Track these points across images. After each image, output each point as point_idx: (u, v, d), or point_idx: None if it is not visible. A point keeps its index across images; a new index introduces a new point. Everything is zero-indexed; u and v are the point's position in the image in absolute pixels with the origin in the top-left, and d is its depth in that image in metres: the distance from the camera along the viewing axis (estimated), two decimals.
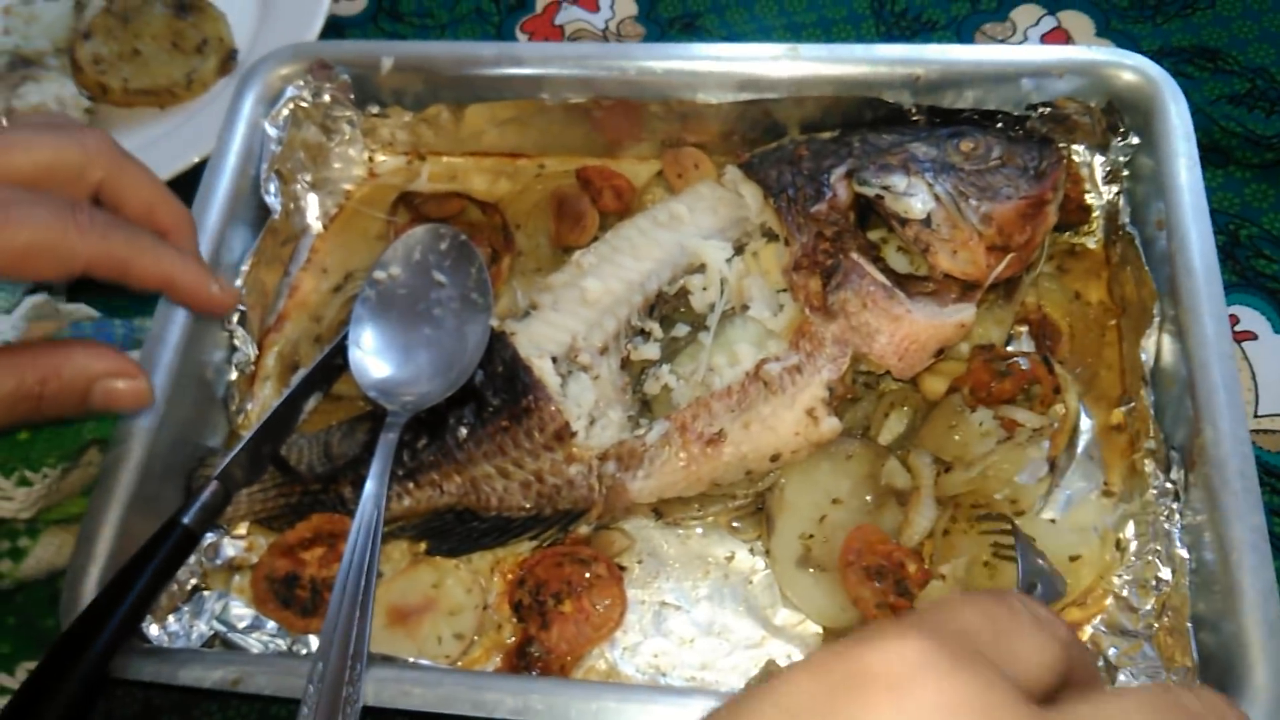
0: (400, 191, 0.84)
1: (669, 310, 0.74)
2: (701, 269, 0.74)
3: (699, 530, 0.69)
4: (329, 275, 0.82)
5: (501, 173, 0.85)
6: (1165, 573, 0.63)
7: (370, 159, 0.86)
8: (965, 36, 0.90)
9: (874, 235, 0.71)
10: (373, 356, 0.72)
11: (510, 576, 0.69)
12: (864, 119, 0.78)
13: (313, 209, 0.83)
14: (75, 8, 0.94)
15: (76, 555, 0.63)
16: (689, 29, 0.93)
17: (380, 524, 0.64)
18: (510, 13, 0.96)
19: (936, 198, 0.69)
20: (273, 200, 0.77)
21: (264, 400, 0.77)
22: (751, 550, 0.69)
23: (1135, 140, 0.75)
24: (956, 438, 0.67)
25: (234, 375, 0.75)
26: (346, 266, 0.82)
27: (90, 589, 0.61)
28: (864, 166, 0.71)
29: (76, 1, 0.94)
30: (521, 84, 0.80)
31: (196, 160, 0.83)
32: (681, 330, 0.73)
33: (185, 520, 0.63)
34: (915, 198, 0.69)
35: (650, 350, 0.73)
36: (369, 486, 0.65)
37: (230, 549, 0.70)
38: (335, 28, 0.92)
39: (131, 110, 0.91)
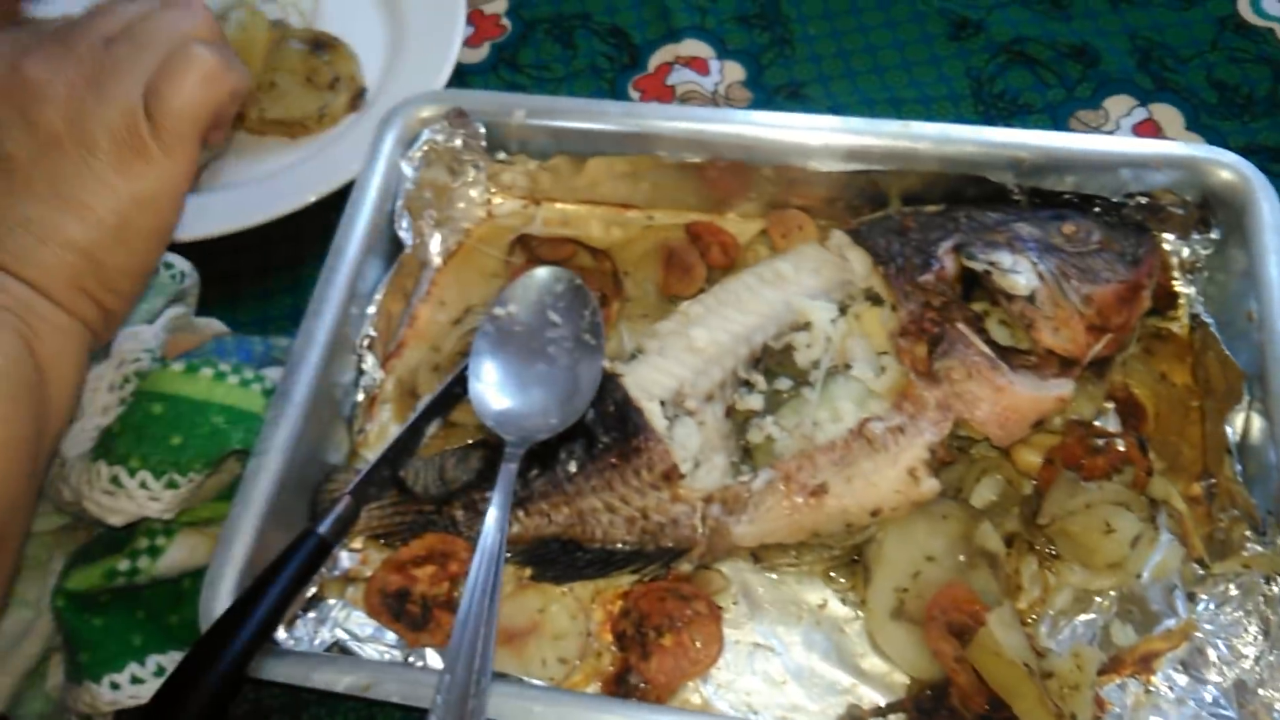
0: (518, 233, 0.88)
1: (773, 364, 0.78)
2: (806, 327, 0.78)
3: (794, 576, 0.73)
4: (447, 308, 0.87)
5: (613, 222, 0.90)
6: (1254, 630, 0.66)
7: (489, 201, 0.91)
8: (1060, 120, 0.94)
9: (977, 307, 0.75)
10: (492, 389, 0.76)
11: (610, 607, 0.73)
12: (966, 195, 0.82)
13: (434, 245, 0.88)
14: None
15: (216, 558, 0.67)
16: (794, 97, 0.98)
17: (503, 548, 0.67)
18: (624, 70, 1.01)
19: (1041, 276, 0.73)
20: (405, 235, 0.82)
21: (382, 422, 0.81)
22: (844, 600, 0.72)
23: (1217, 235, 0.79)
24: (1075, 521, 0.70)
25: (360, 397, 0.79)
26: (464, 301, 0.87)
27: (227, 591, 0.65)
28: (971, 242, 0.75)
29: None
30: (641, 141, 0.85)
31: (327, 191, 0.88)
32: (784, 384, 0.77)
33: (321, 531, 0.67)
34: (1021, 275, 0.73)
35: (754, 401, 0.77)
36: (492, 513, 0.69)
37: (347, 561, 0.74)
38: (458, 73, 0.97)
39: (263, 139, 0.96)
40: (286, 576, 0.64)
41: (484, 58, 1.03)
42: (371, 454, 0.79)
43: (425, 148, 0.85)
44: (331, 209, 0.88)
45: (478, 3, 1.06)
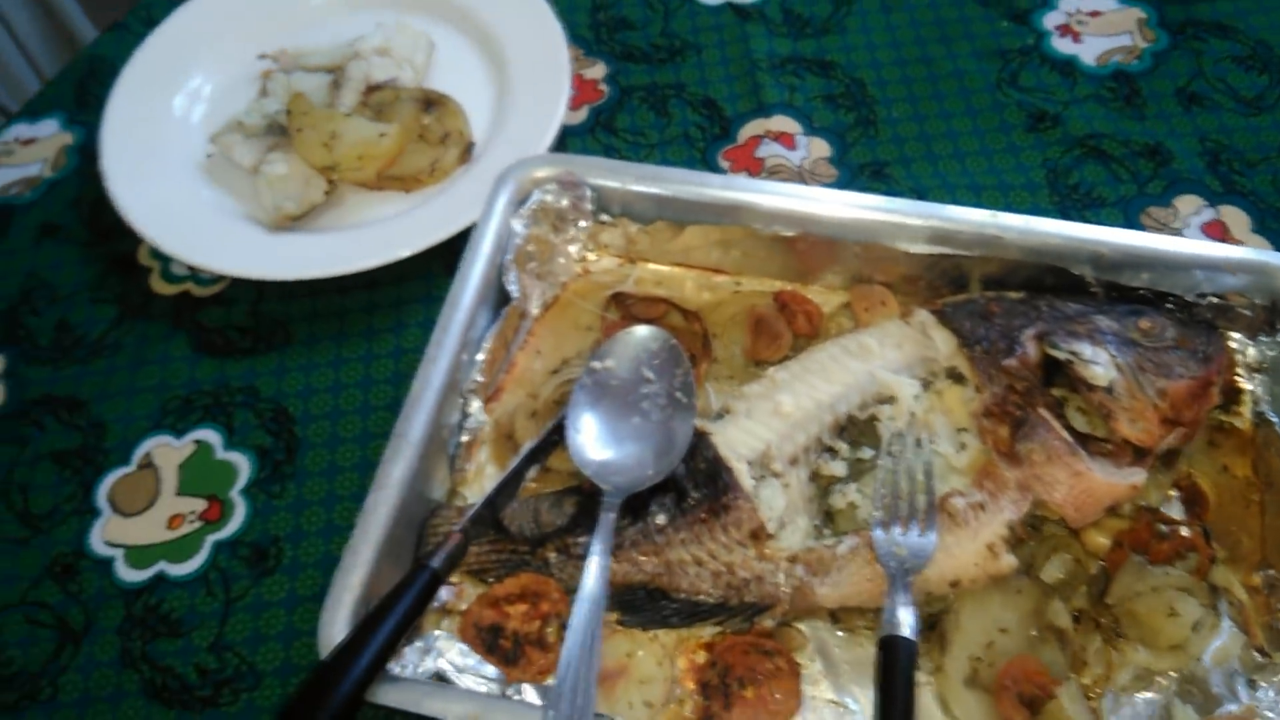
0: (613, 290, 0.93)
1: (856, 433, 0.82)
2: (890, 400, 0.82)
3: (870, 638, 0.76)
4: (543, 357, 0.91)
5: (703, 285, 0.95)
6: None
7: (586, 257, 0.96)
8: (1131, 215, 0.99)
9: (1055, 393, 0.79)
10: (591, 440, 0.81)
11: (693, 655, 0.77)
12: (1045, 283, 0.86)
13: (534, 296, 0.93)
14: (332, 84, 1.06)
15: (335, 586, 0.71)
16: (877, 176, 1.03)
17: (605, 594, 0.72)
18: (714, 140, 1.07)
19: (1119, 369, 0.77)
20: (513, 288, 0.87)
21: (479, 462, 0.85)
22: (918, 665, 0.75)
23: None
24: (1141, 603, 0.74)
25: (463, 438, 0.83)
26: (560, 351, 0.91)
27: (344, 618, 0.70)
28: (1054, 331, 0.79)
29: (334, 78, 1.06)
30: (738, 212, 0.90)
31: (438, 240, 0.94)
32: (867, 453, 0.81)
33: (434, 565, 0.71)
34: (1101, 366, 0.77)
35: (838, 468, 0.81)
36: (594, 560, 0.73)
37: (444, 594, 0.79)
38: (558, 133, 1.02)
39: (377, 192, 1.02)
40: (403, 607, 0.69)
41: (583, 120, 1.09)
42: (469, 492, 0.84)
43: (535, 206, 0.90)
44: (433, 254, 0.93)
45: (579, 67, 1.11)
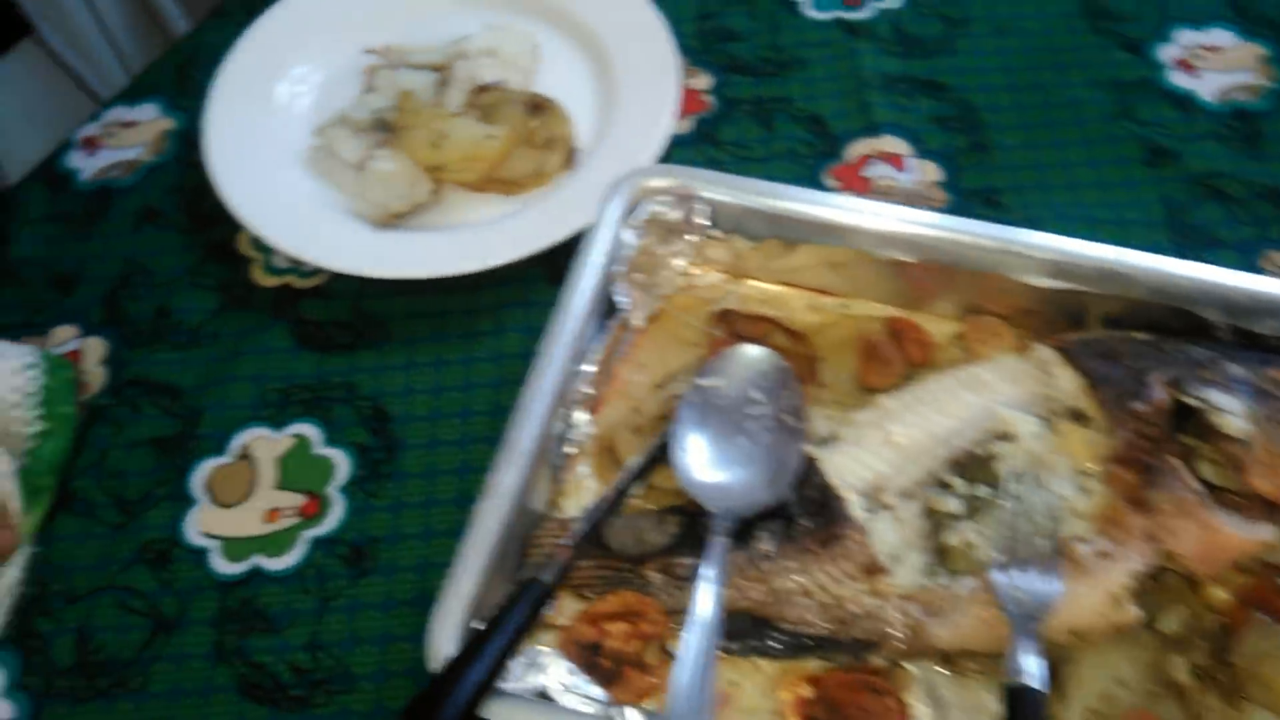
0: (720, 307, 0.92)
1: (972, 470, 0.80)
2: (1007, 437, 0.80)
3: (981, 682, 0.74)
4: (646, 370, 0.90)
5: (810, 306, 0.93)
6: None
7: (690, 271, 0.94)
8: (1250, 257, 0.96)
9: (1185, 440, 0.77)
10: (699, 460, 0.79)
11: (796, 689, 0.75)
12: (1169, 325, 0.84)
13: (638, 309, 0.91)
14: (438, 82, 1.05)
15: (445, 596, 0.70)
16: (989, 203, 1.00)
17: (719, 621, 0.70)
18: (821, 158, 1.05)
19: (1254, 420, 0.74)
20: (622, 300, 0.86)
21: (579, 475, 0.84)
22: None
23: None
24: (1266, 664, 0.71)
25: (567, 449, 0.82)
26: (663, 366, 0.90)
27: (454, 629, 0.68)
28: (1187, 377, 0.77)
29: (440, 77, 1.05)
30: (856, 234, 0.88)
31: (545, 245, 0.93)
32: (983, 491, 0.79)
33: (545, 579, 0.70)
34: (1235, 417, 0.74)
35: (952, 504, 0.79)
36: (707, 585, 0.72)
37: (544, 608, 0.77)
38: None
39: (479, 194, 1.01)
40: (515, 621, 0.68)
41: (688, 130, 1.07)
42: (569, 504, 0.82)
43: (647, 217, 0.89)
44: (532, 258, 0.92)
45: (685, 77, 1.10)
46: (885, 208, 0.88)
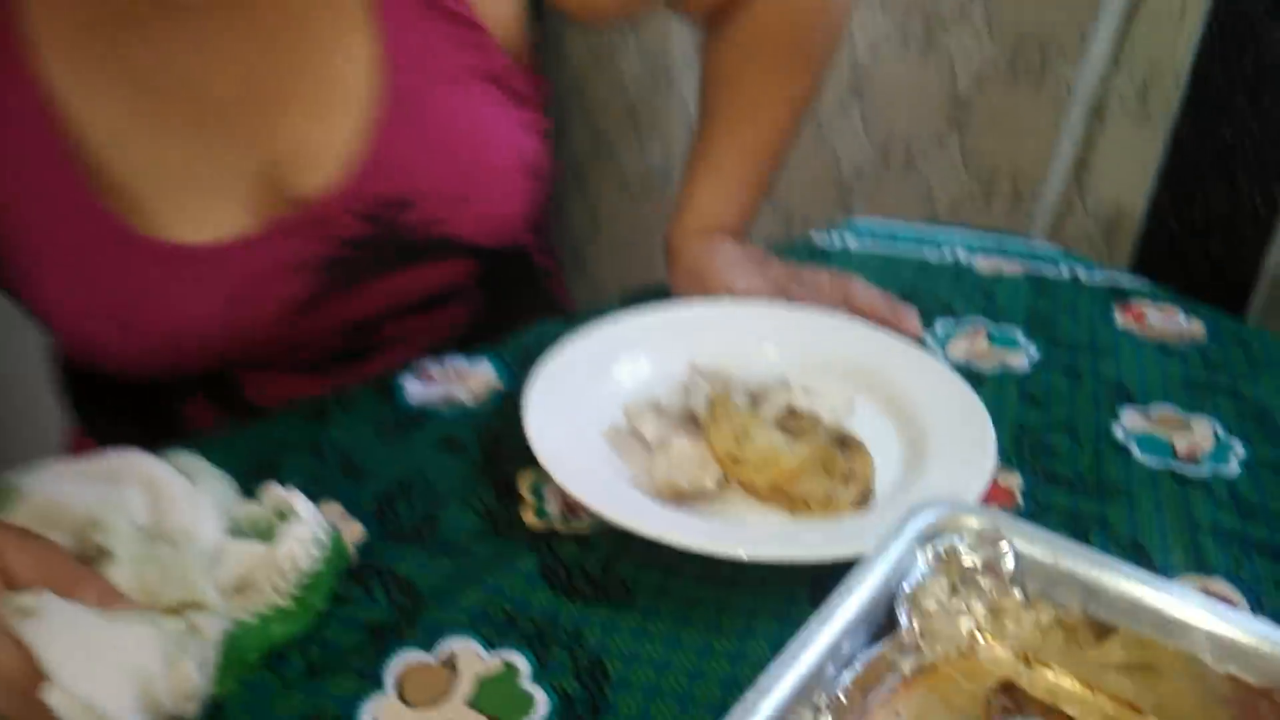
0: (1006, 680, 0.79)
1: None
2: None
3: None
4: None
5: (1106, 716, 0.78)
6: None
7: (976, 637, 0.83)
8: None
9: None
10: None
11: None
12: None
13: (908, 655, 0.80)
14: (752, 400, 1.07)
15: None
16: None
17: None
18: None
19: None
20: (904, 619, 0.76)
21: None
22: None
23: None
24: None
25: None
26: None
27: None
28: None
29: (755, 397, 1.08)
30: (1187, 633, 0.75)
31: (821, 558, 0.86)
32: None
33: None
34: None
35: None
36: None
37: None
38: None
39: (761, 503, 0.98)
40: None
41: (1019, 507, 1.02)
42: None
43: (945, 549, 0.81)
44: (799, 578, 0.87)
45: (995, 471, 1.06)
46: (1234, 614, 0.75)
